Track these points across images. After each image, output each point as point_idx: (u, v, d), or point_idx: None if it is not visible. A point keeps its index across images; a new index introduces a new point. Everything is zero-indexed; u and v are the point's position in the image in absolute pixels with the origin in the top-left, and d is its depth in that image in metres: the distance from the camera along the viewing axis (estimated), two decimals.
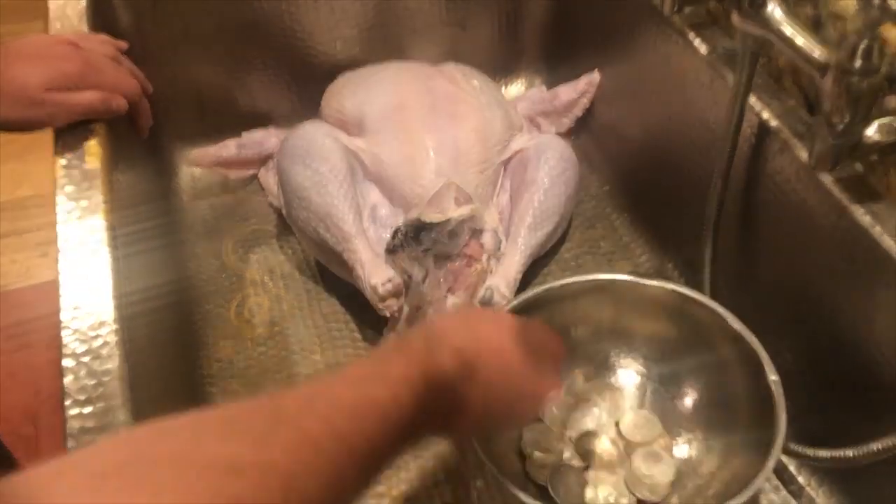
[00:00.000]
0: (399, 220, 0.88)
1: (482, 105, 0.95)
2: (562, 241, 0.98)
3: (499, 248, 0.89)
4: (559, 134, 1.06)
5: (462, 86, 0.97)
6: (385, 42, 1.08)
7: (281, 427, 0.43)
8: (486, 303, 0.83)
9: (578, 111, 1.07)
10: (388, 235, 0.88)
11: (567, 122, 1.08)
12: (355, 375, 0.51)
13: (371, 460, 0.47)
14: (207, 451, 0.39)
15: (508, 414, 0.59)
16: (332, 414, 0.45)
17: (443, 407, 0.53)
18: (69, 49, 0.80)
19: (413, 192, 0.89)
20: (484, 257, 0.87)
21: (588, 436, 0.76)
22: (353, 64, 1.05)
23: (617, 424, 0.77)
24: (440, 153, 0.90)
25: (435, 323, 0.63)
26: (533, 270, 0.92)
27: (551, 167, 0.92)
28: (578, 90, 1.05)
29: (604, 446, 0.75)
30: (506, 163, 0.96)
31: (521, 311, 0.76)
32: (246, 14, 1.03)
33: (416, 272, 0.85)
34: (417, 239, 0.86)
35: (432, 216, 0.86)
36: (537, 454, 0.74)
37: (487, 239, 0.88)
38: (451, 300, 0.84)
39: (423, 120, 0.92)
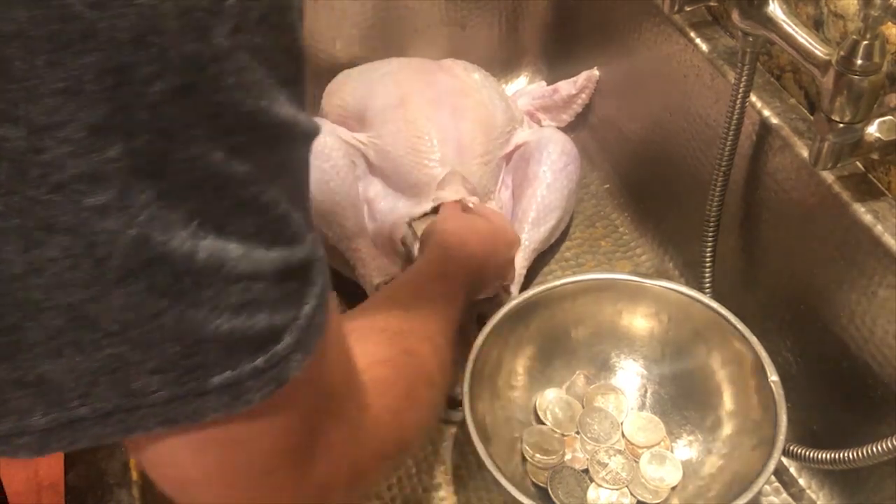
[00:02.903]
0: (398, 213, 0.88)
1: (483, 98, 0.95)
2: (563, 239, 0.97)
3: None
4: (559, 129, 1.05)
5: (463, 80, 0.97)
6: (385, 41, 1.07)
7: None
8: (491, 298, 0.83)
9: (578, 107, 1.06)
10: (387, 229, 0.88)
11: (567, 117, 1.07)
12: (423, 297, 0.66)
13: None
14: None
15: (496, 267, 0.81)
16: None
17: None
18: None
19: (420, 180, 0.89)
20: None
21: (599, 449, 0.76)
22: (352, 63, 1.04)
23: (620, 426, 0.77)
24: (444, 143, 0.90)
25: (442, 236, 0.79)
26: (534, 268, 0.92)
27: (553, 161, 0.92)
28: (578, 86, 1.05)
29: (617, 460, 0.75)
30: (507, 157, 0.95)
31: (522, 310, 0.76)
32: None
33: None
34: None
35: (447, 196, 0.87)
36: (538, 456, 0.74)
37: None
38: None
39: (425, 113, 0.92)
